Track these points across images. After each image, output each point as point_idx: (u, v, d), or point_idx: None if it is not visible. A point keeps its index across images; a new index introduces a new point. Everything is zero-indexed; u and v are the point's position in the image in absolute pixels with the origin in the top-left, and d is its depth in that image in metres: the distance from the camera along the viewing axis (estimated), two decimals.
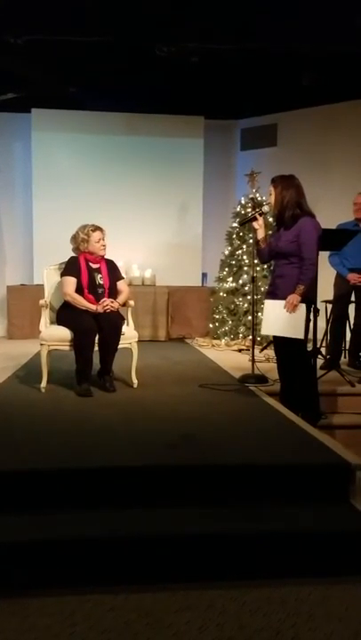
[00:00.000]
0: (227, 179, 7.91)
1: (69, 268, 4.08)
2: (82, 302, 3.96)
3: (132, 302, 4.35)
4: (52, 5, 4.76)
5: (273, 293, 3.70)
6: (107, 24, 5.12)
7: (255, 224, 3.81)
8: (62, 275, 4.11)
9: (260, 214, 3.85)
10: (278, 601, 2.03)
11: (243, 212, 6.58)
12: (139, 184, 7.41)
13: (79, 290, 4.01)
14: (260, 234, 3.78)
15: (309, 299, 3.65)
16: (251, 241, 6.19)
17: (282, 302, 3.54)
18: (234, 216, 6.74)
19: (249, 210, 6.45)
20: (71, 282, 4.01)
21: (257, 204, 6.31)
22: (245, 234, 6.48)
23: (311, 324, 3.78)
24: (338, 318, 5.08)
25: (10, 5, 4.74)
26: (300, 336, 3.50)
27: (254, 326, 4.74)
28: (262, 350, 5.60)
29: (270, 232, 3.85)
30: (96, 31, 5.22)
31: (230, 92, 6.75)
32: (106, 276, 4.13)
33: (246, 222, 3.93)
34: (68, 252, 4.20)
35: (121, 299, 4.14)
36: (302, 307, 3.53)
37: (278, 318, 3.55)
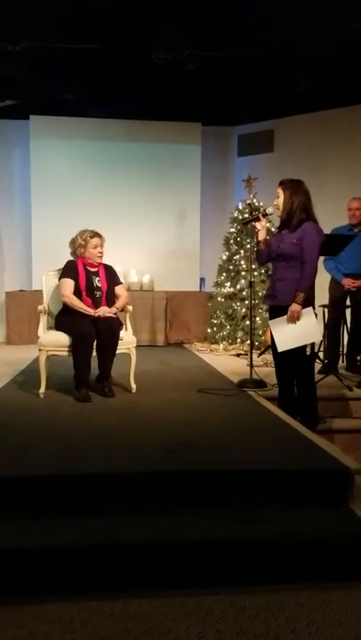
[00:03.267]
0: (224, 184, 7.93)
1: (67, 270, 4.09)
2: (79, 305, 3.96)
3: (130, 307, 4.35)
4: (50, 13, 4.79)
5: (272, 297, 3.70)
6: (104, 31, 5.16)
7: (258, 224, 3.82)
8: (60, 277, 4.12)
9: (264, 215, 3.86)
10: (278, 606, 2.02)
11: (240, 217, 6.59)
12: (136, 190, 7.42)
13: (77, 293, 4.01)
14: (262, 235, 3.78)
15: (309, 302, 3.65)
16: (248, 246, 6.22)
17: (284, 318, 3.52)
18: (231, 221, 6.75)
19: (247, 215, 6.47)
20: (69, 284, 4.02)
21: (255, 209, 6.34)
22: (243, 239, 6.50)
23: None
24: (334, 323, 5.08)
25: (8, 13, 4.77)
26: (319, 337, 3.43)
27: (252, 331, 4.74)
28: (260, 355, 5.60)
29: (268, 236, 3.85)
30: (94, 38, 5.26)
31: (227, 99, 6.78)
32: (104, 279, 4.13)
33: (249, 222, 3.93)
34: (66, 258, 4.20)
35: (119, 304, 4.14)
36: (308, 310, 3.52)
37: (290, 332, 3.51)
